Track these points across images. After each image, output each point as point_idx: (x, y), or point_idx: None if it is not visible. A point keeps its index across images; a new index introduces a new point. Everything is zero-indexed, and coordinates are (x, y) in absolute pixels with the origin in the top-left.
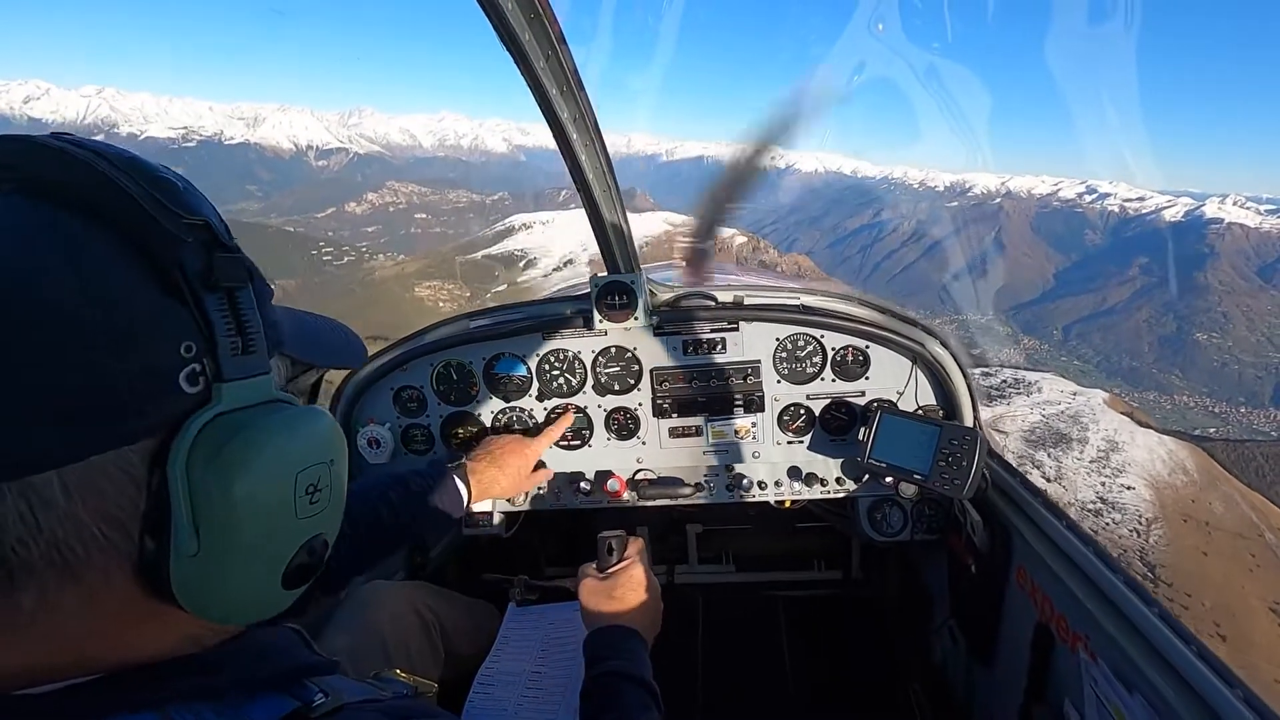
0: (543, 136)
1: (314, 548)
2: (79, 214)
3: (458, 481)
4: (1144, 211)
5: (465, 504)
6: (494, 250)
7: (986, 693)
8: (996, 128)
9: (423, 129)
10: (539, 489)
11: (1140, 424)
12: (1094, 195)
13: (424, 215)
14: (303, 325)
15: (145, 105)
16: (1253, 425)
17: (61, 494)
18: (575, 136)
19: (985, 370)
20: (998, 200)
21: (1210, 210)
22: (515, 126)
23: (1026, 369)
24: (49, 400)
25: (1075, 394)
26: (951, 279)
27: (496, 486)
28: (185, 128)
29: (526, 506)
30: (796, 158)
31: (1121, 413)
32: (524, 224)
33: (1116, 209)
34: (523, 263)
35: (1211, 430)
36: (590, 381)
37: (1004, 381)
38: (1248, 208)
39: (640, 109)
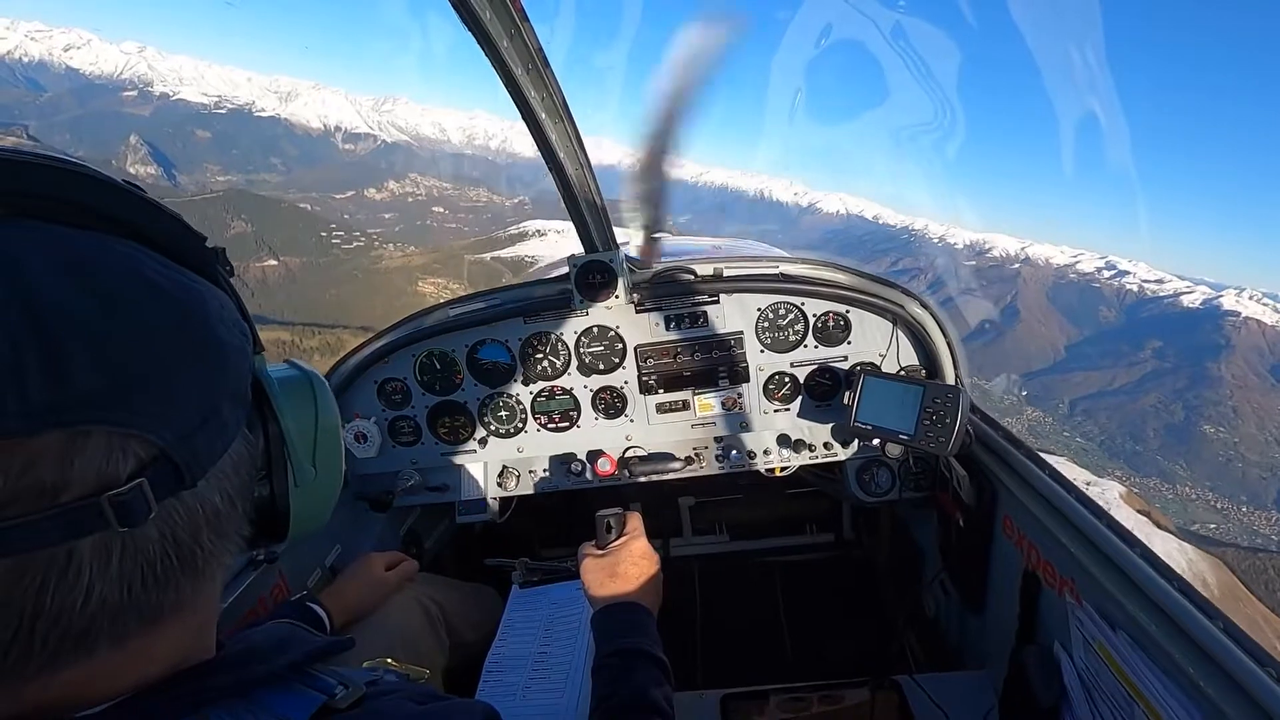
0: None
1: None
2: (162, 249)
3: (316, 609)
4: (1161, 294)
5: (328, 628)
6: (504, 253)
7: (979, 640)
8: (1019, 194)
9: (454, 124)
10: (541, 471)
11: (1158, 525)
12: (1113, 272)
13: (441, 209)
14: None
15: (183, 68)
16: (1253, 527)
17: (231, 466)
18: (544, 116)
19: None
20: (1016, 265)
21: (1228, 302)
22: None
23: (1039, 450)
24: (233, 384)
25: (1089, 484)
26: (963, 339)
27: (352, 599)
28: (219, 95)
29: (520, 491)
30: (820, 196)
31: (1138, 510)
32: (538, 230)
33: (1134, 288)
34: (532, 269)
35: (1212, 526)
36: (575, 362)
37: None
38: (1265, 303)
39: (609, 90)
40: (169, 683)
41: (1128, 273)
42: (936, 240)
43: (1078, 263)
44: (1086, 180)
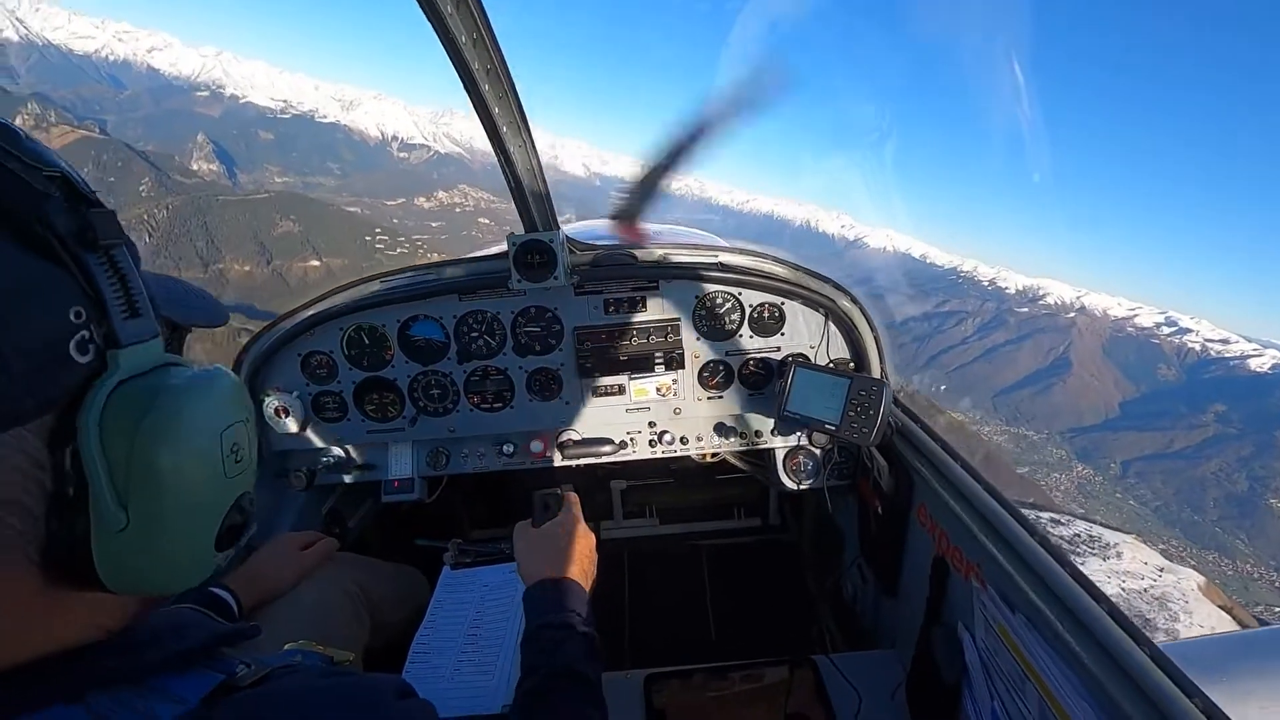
0: (621, 167)
1: (243, 506)
2: None
3: (219, 593)
4: (1227, 355)
5: (235, 608)
6: None
7: (891, 621)
8: (1076, 240)
9: None
10: (473, 452)
11: (1242, 625)
12: (1173, 328)
13: (487, 221)
14: (160, 284)
15: (256, 74)
16: None
17: None
18: (487, 88)
19: (1055, 517)
20: (1071, 314)
21: None
22: (596, 153)
23: (1105, 526)
24: None
25: (1163, 570)
26: (1010, 388)
27: (265, 579)
28: (285, 100)
29: (450, 471)
30: (866, 231)
31: (1220, 606)
32: None
33: (1197, 347)
34: None
35: (1278, 610)
36: (510, 343)
37: (1077, 535)
38: None
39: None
40: (44, 664)
41: (1190, 330)
42: (986, 283)
43: (1136, 316)
44: (1146, 230)
